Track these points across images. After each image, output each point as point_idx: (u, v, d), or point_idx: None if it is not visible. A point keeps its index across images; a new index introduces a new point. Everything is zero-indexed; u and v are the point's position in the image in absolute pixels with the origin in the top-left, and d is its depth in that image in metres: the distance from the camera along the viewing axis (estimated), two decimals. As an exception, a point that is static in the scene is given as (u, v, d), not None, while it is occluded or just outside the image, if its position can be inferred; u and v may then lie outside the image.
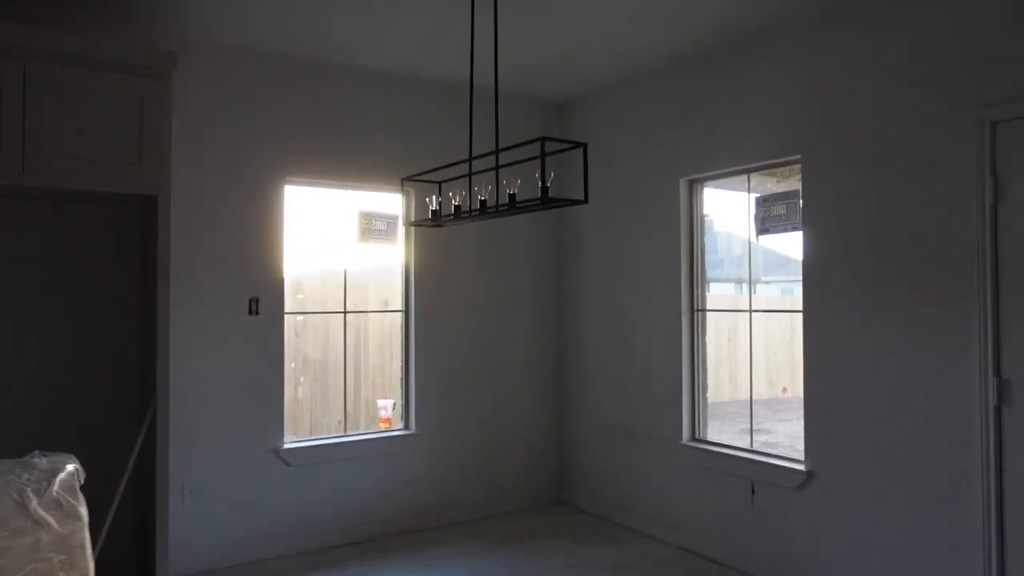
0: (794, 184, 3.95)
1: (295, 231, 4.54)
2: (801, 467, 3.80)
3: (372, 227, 4.74)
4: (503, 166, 3.11)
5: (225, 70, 4.19)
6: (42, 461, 2.26)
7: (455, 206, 3.34)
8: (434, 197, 3.51)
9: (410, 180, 3.65)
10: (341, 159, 4.55)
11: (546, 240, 5.41)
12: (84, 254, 3.70)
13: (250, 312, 4.23)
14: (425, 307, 4.85)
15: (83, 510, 1.77)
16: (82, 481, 2.32)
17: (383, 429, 4.94)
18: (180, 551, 3.96)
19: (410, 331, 4.83)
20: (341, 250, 4.73)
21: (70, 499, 1.84)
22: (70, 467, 2.15)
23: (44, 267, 3.61)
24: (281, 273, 4.35)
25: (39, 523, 1.68)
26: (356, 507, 4.55)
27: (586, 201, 2.83)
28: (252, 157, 4.25)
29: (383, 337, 8.51)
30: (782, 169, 4.14)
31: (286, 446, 4.35)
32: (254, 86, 4.28)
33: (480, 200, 3.14)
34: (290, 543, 4.31)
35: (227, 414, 4.15)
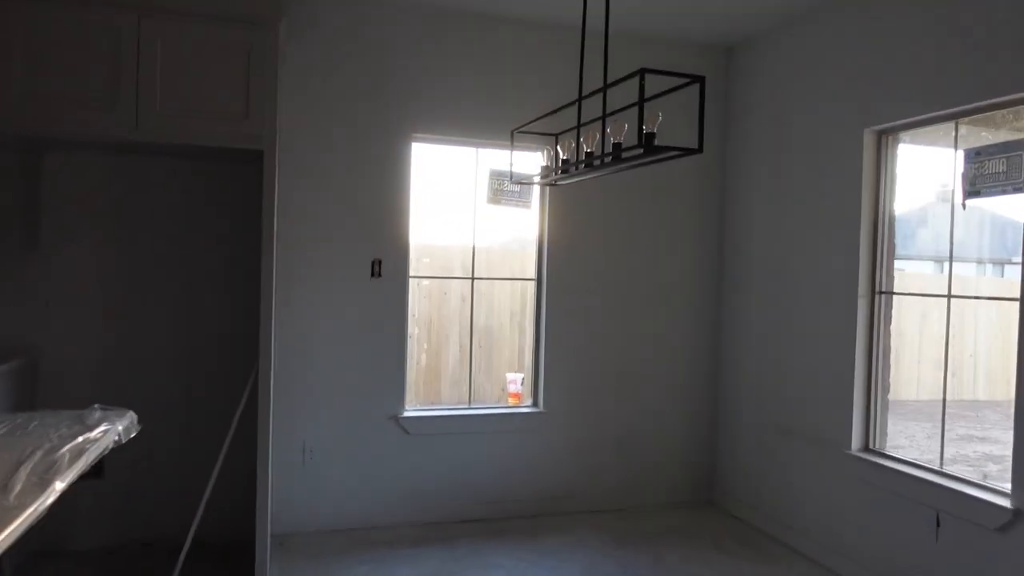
0: (1019, 133, 3.00)
1: (422, 192, 4.35)
2: (1006, 502, 2.93)
3: (503, 188, 4.42)
4: (616, 112, 2.59)
5: (349, 20, 4.05)
6: (94, 416, 2.24)
7: (562, 160, 2.90)
8: (546, 151, 3.10)
9: (521, 131, 3.25)
10: (472, 114, 4.26)
11: (703, 208, 4.75)
12: (211, 212, 3.77)
13: (372, 275, 4.12)
14: (560, 277, 4.46)
15: (59, 483, 1.65)
16: (133, 433, 2.27)
17: (511, 404, 4.66)
18: (298, 508, 4.00)
19: (542, 302, 4.47)
20: (471, 214, 4.47)
21: (61, 467, 1.73)
22: (105, 427, 2.08)
23: (172, 223, 3.73)
24: (406, 235, 4.19)
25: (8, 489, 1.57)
26: (474, 484, 4.33)
27: (700, 150, 2.27)
28: (377, 112, 4.10)
29: (515, 307, 8.23)
30: (1002, 113, 3.17)
31: (406, 414, 4.22)
32: (378, 36, 4.10)
33: (586, 152, 2.68)
34: (404, 513, 4.20)
35: (348, 377, 4.10)
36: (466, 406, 4.49)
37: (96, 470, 3.66)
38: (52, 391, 3.58)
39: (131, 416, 2.30)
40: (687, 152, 2.25)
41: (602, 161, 2.59)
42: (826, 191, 3.90)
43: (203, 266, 3.79)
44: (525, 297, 4.80)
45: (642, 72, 2.18)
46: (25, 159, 3.42)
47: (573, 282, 4.48)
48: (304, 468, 4.04)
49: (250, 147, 3.19)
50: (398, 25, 4.12)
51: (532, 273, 4.55)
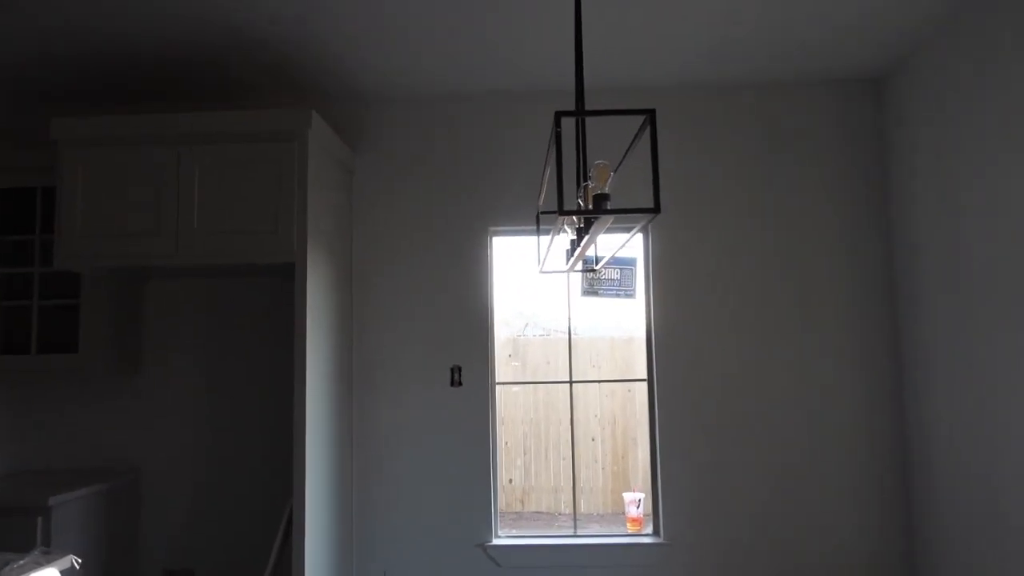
0: None
1: (504, 288, 3.96)
2: None
3: (600, 276, 3.87)
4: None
5: (413, 120, 3.91)
6: (28, 561, 2.10)
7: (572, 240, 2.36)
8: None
9: (544, 214, 2.75)
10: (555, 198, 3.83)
11: (860, 276, 3.74)
12: (262, 328, 3.74)
13: (452, 383, 3.76)
14: (677, 374, 3.72)
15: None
16: None
17: (630, 531, 3.90)
18: (380, 648, 3.61)
19: (656, 406, 3.75)
20: (563, 308, 3.96)
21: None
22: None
23: (252, 337, 3.74)
24: (488, 337, 3.80)
25: None
26: (581, 630, 3.61)
27: (656, 210, 1.62)
28: (450, 208, 3.84)
29: (626, 413, 7.22)
30: None
31: (496, 542, 3.69)
32: (446, 133, 3.89)
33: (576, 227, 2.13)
34: (497, 662, 3.60)
35: (427, 499, 3.71)
36: (570, 534, 3.83)
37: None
38: (156, 505, 3.69)
39: (69, 559, 2.14)
40: (643, 211, 1.62)
41: (581, 228, 2.02)
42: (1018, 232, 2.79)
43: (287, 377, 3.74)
44: (637, 400, 4.10)
45: (569, 116, 1.64)
46: (128, 289, 3.67)
47: (693, 379, 3.71)
48: (386, 601, 3.67)
49: (280, 261, 3.09)
50: (465, 120, 3.90)
51: (635, 369, 3.86)
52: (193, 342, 3.78)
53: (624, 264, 3.85)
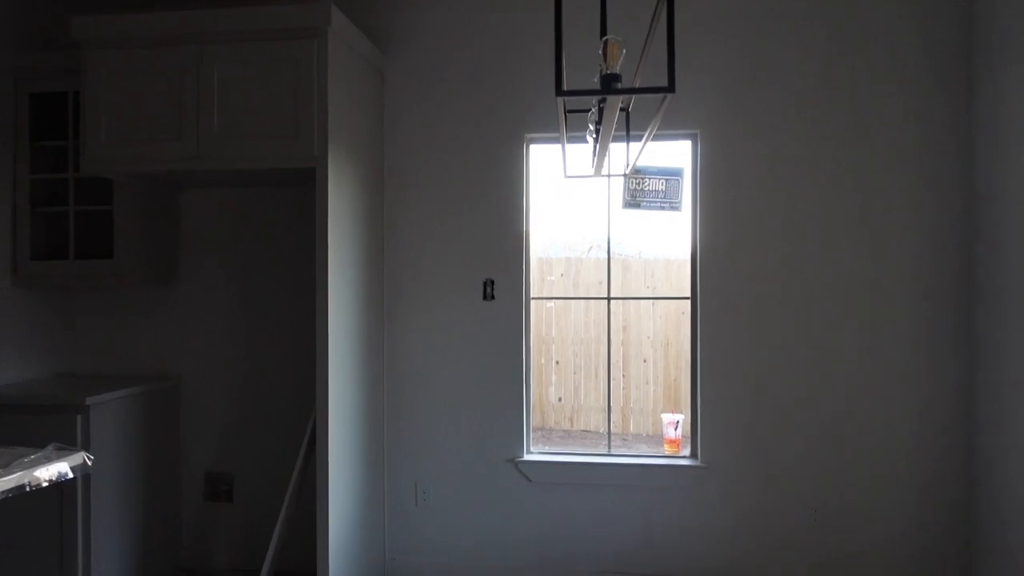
0: None
1: (542, 199, 3.76)
2: None
3: (644, 188, 3.62)
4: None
5: (448, 22, 3.66)
6: (39, 456, 2.13)
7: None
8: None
9: (568, 99, 2.51)
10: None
11: (942, 193, 3.37)
12: (293, 238, 3.67)
13: (485, 297, 3.64)
14: (723, 294, 3.49)
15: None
16: (69, 476, 2.12)
17: (667, 453, 3.78)
18: (412, 552, 3.67)
19: (699, 326, 3.54)
20: (601, 219, 3.74)
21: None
22: (15, 475, 1.94)
23: (286, 248, 3.70)
24: (523, 250, 3.64)
25: None
26: (612, 546, 3.56)
27: (671, 89, 1.39)
28: (484, 114, 3.62)
29: (679, 335, 7.00)
30: None
31: (527, 457, 3.64)
32: (480, 35, 3.63)
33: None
34: (526, 568, 3.60)
35: (460, 414, 3.66)
36: (604, 452, 3.74)
37: (227, 494, 3.82)
38: (194, 411, 3.78)
39: (81, 456, 2.16)
40: (655, 90, 1.40)
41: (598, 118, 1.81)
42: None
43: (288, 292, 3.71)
44: (683, 322, 3.89)
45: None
46: (161, 197, 3.66)
47: (740, 300, 3.48)
48: (416, 510, 3.70)
49: (301, 166, 2.98)
50: (501, 19, 3.62)
51: (686, 289, 3.65)
52: (226, 253, 3.77)
53: (670, 174, 3.59)
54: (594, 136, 2.41)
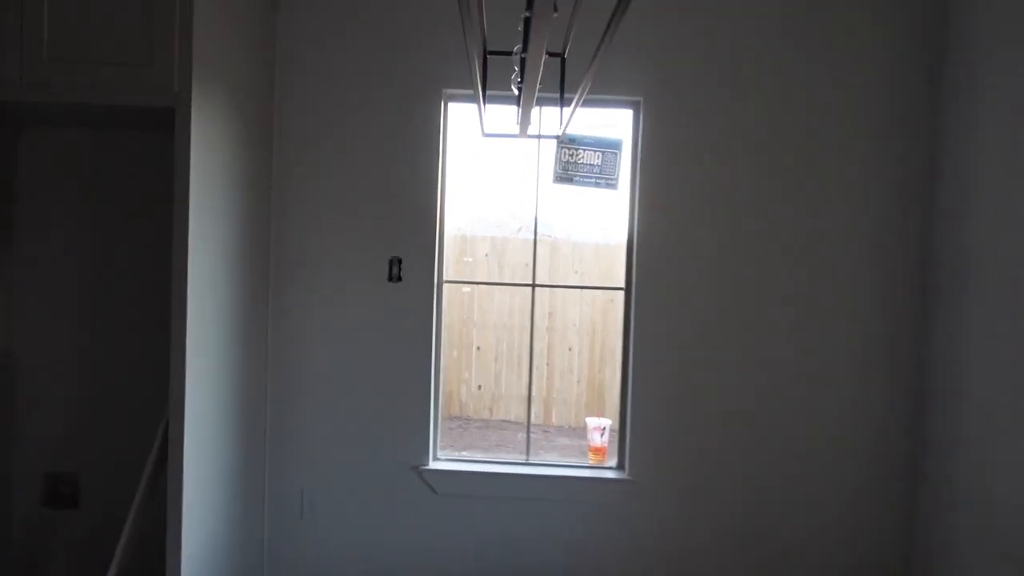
0: None
1: (466, 169, 3.26)
2: None
3: (577, 160, 3.17)
4: None
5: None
6: None
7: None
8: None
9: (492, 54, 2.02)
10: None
11: (888, 193, 3.05)
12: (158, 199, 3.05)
13: (390, 278, 3.12)
14: (660, 286, 3.09)
15: None
16: None
17: (592, 463, 3.37)
18: (294, 571, 3.15)
19: (632, 320, 3.13)
20: (531, 196, 3.27)
21: None
22: None
23: (150, 207, 3.06)
24: (436, 225, 3.13)
25: None
26: (530, 569, 3.13)
27: None
28: (396, 64, 3.08)
29: (607, 322, 6.80)
30: None
31: (433, 465, 3.16)
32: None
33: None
34: (425, 597, 3.15)
35: (357, 412, 3.15)
36: (522, 461, 3.30)
37: (71, 499, 3.19)
38: (31, 398, 3.12)
39: None
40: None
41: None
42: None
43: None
44: (611, 311, 3.49)
45: None
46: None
47: (679, 292, 3.08)
48: (302, 523, 3.17)
49: (155, 104, 2.37)
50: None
51: (620, 278, 3.23)
52: (78, 212, 3.10)
53: (607, 147, 3.15)
54: (518, 86, 1.93)
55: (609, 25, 1.36)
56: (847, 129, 3.03)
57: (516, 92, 1.96)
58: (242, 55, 2.73)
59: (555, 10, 1.23)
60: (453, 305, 6.51)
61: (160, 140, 3.04)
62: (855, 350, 3.06)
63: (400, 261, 3.11)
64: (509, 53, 1.94)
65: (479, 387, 7.13)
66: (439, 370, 3.19)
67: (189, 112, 2.36)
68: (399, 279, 3.11)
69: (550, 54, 2.02)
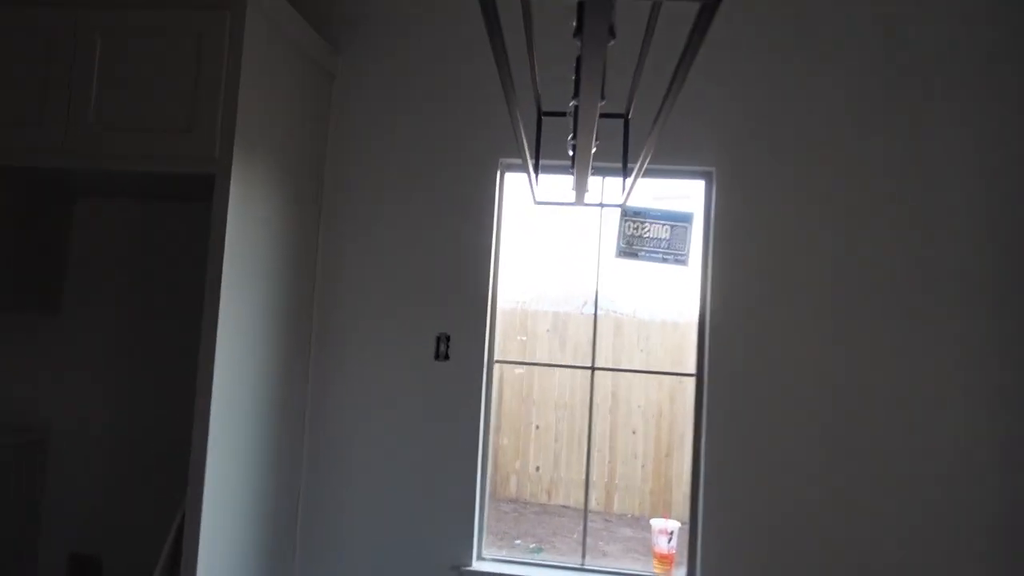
0: None
1: (521, 240, 3.05)
2: None
3: (643, 235, 2.92)
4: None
5: (409, 16, 3.01)
6: None
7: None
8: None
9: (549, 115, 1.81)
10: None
11: (1008, 271, 2.66)
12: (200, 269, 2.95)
13: (437, 356, 2.89)
14: (739, 373, 2.75)
15: None
16: None
17: (657, 572, 2.98)
18: None
19: (705, 411, 2.79)
20: (591, 272, 3.01)
21: None
22: None
23: (163, 275, 2.96)
24: (488, 300, 2.91)
25: None
26: None
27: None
28: (451, 130, 2.94)
29: (674, 405, 6.39)
30: None
31: (476, 566, 2.84)
32: (452, 35, 2.98)
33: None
34: None
35: (394, 503, 2.88)
36: (577, 565, 2.93)
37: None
38: (63, 474, 2.99)
39: None
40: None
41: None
42: None
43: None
44: (681, 398, 3.15)
45: None
46: (47, 206, 2.94)
47: (760, 382, 2.73)
48: (332, 625, 2.88)
49: (195, 170, 2.26)
50: (475, 24, 2.97)
51: (691, 363, 2.91)
52: (122, 282, 3.03)
53: (676, 220, 2.89)
54: (572, 146, 1.72)
55: (673, 81, 1.13)
56: (953, 188, 2.69)
57: (571, 153, 1.75)
58: (287, 122, 2.63)
59: (603, 67, 1.01)
60: (510, 382, 6.25)
61: (204, 210, 2.97)
62: (960, 456, 2.62)
63: (448, 338, 2.88)
64: (564, 114, 1.74)
65: (537, 468, 6.75)
66: (487, 458, 2.91)
67: (228, 179, 2.24)
68: (447, 357, 2.88)
69: (612, 115, 1.81)
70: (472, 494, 2.84)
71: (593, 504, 6.54)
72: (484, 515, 2.89)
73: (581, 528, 5.44)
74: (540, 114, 1.77)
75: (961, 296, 2.67)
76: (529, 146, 1.98)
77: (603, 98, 1.30)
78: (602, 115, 1.68)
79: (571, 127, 1.75)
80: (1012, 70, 2.69)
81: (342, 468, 2.90)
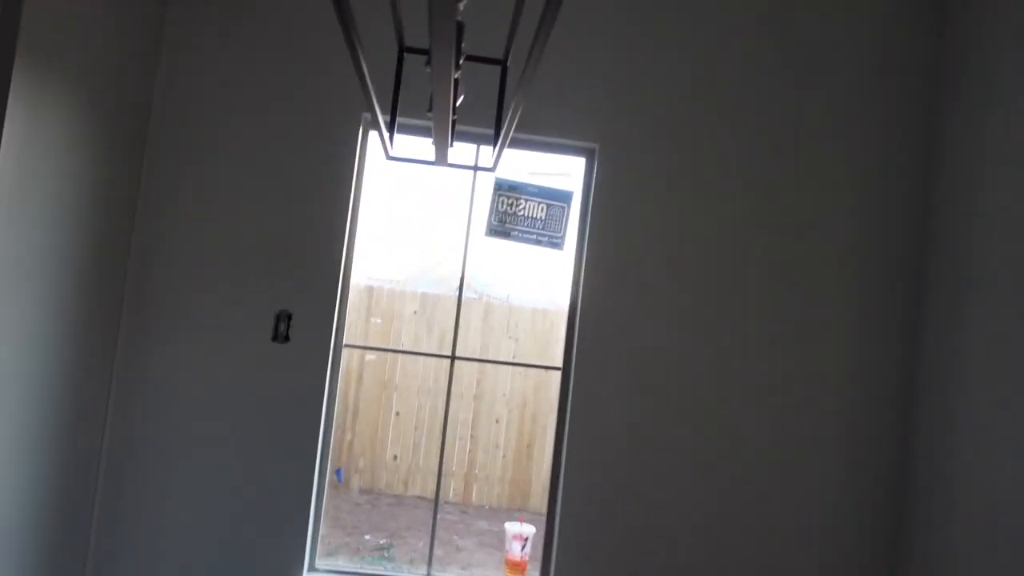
0: None
1: (375, 208, 2.72)
2: None
3: (517, 212, 2.67)
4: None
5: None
6: None
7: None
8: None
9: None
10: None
11: (877, 222, 2.64)
12: None
13: (275, 337, 2.51)
14: (607, 367, 2.56)
15: None
16: None
17: (509, 576, 2.77)
18: None
19: (570, 408, 2.59)
20: (456, 249, 2.74)
21: None
22: None
23: None
24: (339, 275, 2.55)
25: None
26: None
27: None
28: (304, 76, 2.55)
29: (538, 396, 6.40)
30: None
31: (310, 575, 2.50)
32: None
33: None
34: None
35: (215, 506, 2.47)
36: (422, 574, 2.65)
37: None
38: None
39: None
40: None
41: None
42: None
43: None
44: (543, 392, 2.95)
45: None
46: None
47: (628, 379, 2.56)
48: (128, 647, 2.44)
49: (-48, 85, 1.76)
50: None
51: (558, 356, 2.70)
52: None
53: (554, 199, 2.66)
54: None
55: (541, 23, 0.87)
56: (834, 173, 2.63)
57: (429, 105, 1.44)
58: (104, 38, 2.15)
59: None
60: (370, 365, 5.87)
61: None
62: (830, 459, 2.58)
63: (290, 317, 2.50)
64: (426, 51, 1.43)
65: (395, 457, 6.43)
66: (326, 456, 2.56)
67: (6, 91, 1.75)
68: (287, 339, 2.50)
69: (488, 60, 1.53)
70: (308, 497, 2.49)
71: (451, 495, 6.30)
72: (320, 519, 2.54)
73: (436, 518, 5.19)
74: (401, 49, 1.45)
75: (829, 284, 2.61)
76: (381, 91, 1.66)
77: (462, 20, 1.01)
78: (476, 58, 1.40)
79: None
80: (889, 54, 2.66)
81: (151, 468, 2.46)
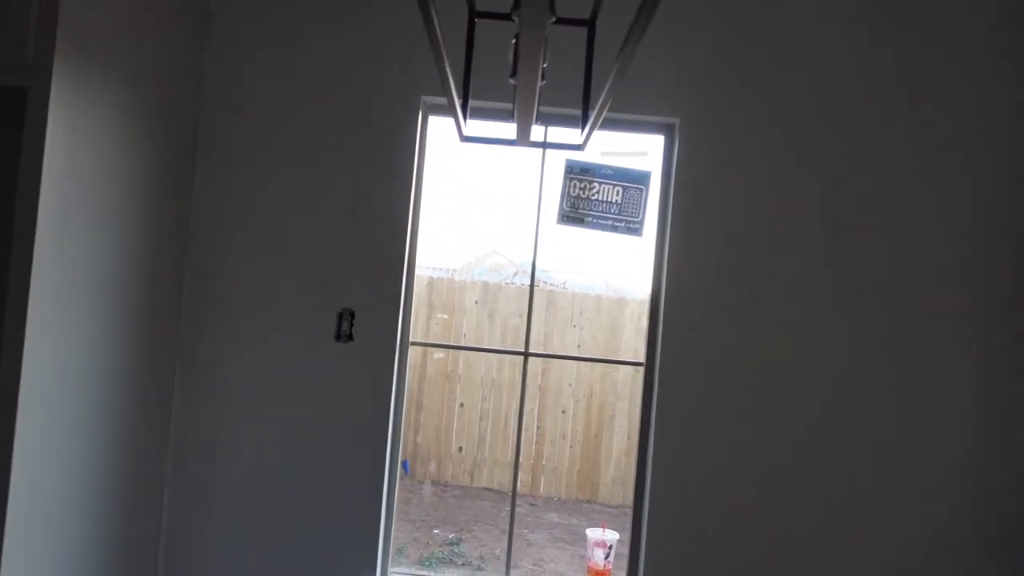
0: None
1: (434, 197, 2.55)
2: None
3: (591, 196, 2.46)
4: None
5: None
6: None
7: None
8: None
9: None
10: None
11: (991, 200, 2.34)
12: None
13: (338, 337, 2.38)
14: (695, 363, 2.35)
15: None
16: None
17: (590, 585, 2.60)
18: None
19: (655, 407, 2.39)
20: (526, 240, 2.55)
21: None
22: None
23: None
24: (403, 270, 2.40)
25: None
26: None
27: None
28: (361, 62, 2.39)
29: (604, 386, 6.14)
30: None
31: (381, 585, 2.38)
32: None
33: None
34: None
35: (282, 511, 2.37)
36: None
37: None
38: None
39: None
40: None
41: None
42: None
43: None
44: (627, 389, 2.76)
45: None
46: None
47: (719, 373, 2.34)
48: (201, 659, 2.37)
49: (7, 81, 1.66)
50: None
51: (640, 350, 2.49)
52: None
53: (631, 180, 2.44)
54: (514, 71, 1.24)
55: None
56: (939, 147, 2.34)
57: (511, 77, 1.25)
58: (149, 33, 2.03)
59: None
60: (433, 358, 5.77)
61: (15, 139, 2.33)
62: (934, 457, 2.32)
63: (353, 315, 2.37)
64: (508, 16, 1.24)
65: (460, 449, 6.34)
66: (396, 461, 2.43)
67: (47, 94, 1.64)
68: (350, 338, 2.37)
69: (573, 21, 1.33)
70: (378, 503, 2.36)
71: (519, 487, 6.18)
72: (392, 527, 2.42)
73: (503, 516, 5.05)
74: (473, 14, 1.27)
75: (951, 289, 2.33)
76: (457, 66, 1.47)
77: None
78: (560, 20, 1.20)
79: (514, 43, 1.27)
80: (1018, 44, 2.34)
81: (217, 477, 2.37)
